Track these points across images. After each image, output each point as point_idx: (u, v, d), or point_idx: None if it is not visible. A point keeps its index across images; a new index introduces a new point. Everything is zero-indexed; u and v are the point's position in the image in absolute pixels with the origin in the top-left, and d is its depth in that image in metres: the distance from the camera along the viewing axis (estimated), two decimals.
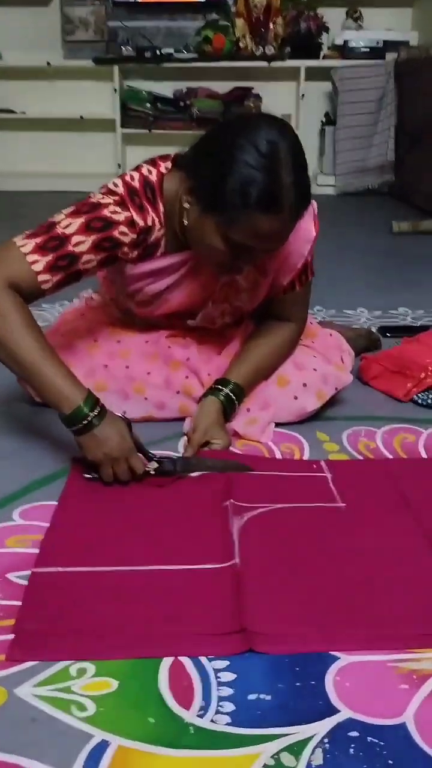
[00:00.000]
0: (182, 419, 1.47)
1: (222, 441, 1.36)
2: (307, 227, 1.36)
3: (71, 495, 1.23)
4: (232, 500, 1.21)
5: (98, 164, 4.94)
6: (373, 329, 2.05)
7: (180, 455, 1.33)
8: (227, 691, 0.85)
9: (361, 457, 1.39)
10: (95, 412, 1.21)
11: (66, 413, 1.20)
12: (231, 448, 1.38)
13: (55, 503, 1.21)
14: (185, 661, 0.89)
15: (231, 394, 1.39)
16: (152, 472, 1.27)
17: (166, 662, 0.89)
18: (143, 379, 1.48)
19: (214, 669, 0.88)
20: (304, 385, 1.47)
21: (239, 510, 1.18)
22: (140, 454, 1.26)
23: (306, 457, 1.39)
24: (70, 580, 1.02)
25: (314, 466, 1.34)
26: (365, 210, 4.31)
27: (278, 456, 1.38)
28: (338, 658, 0.90)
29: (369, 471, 1.33)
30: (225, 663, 0.89)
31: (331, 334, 1.61)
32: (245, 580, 1.01)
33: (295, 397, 1.47)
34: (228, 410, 1.39)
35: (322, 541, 1.11)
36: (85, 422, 1.20)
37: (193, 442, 1.34)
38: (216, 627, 0.93)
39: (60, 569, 1.04)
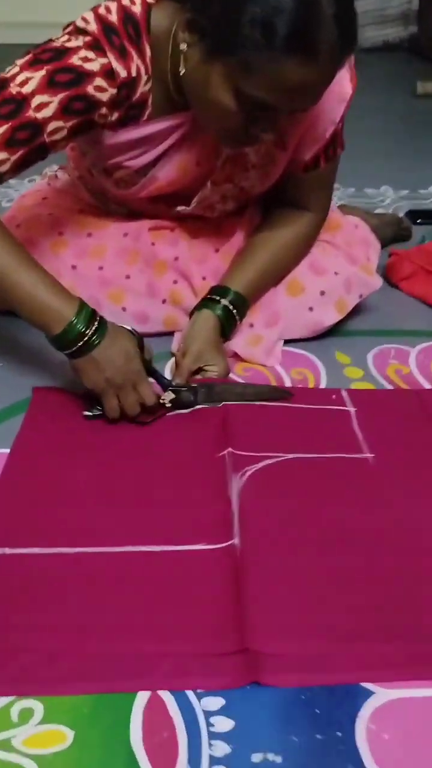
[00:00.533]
0: (169, 335, 1.19)
1: (218, 367, 1.08)
2: (341, 83, 1.03)
3: (25, 442, 0.97)
4: (230, 449, 0.95)
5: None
6: (400, 214, 1.72)
7: (201, 382, 1.06)
8: (222, 749, 0.62)
9: (391, 387, 1.12)
10: (93, 328, 0.94)
11: (55, 333, 0.94)
12: (230, 375, 1.11)
13: (5, 451, 0.95)
14: (166, 697, 0.66)
15: (230, 305, 1.10)
16: (168, 404, 1.01)
17: (141, 699, 0.66)
18: (120, 284, 1.19)
19: (204, 711, 0.65)
20: (322, 293, 1.18)
21: (238, 463, 0.93)
22: (153, 380, 1.00)
23: (323, 385, 1.12)
24: (11, 568, 0.78)
25: (333, 396, 1.07)
26: (383, 68, 3.81)
27: (288, 384, 1.11)
28: (372, 694, 0.67)
29: (403, 407, 1.06)
30: (219, 701, 0.66)
31: (357, 226, 1.30)
32: (247, 571, 0.77)
33: (311, 309, 1.18)
34: (226, 327, 1.11)
35: (346, 513, 0.86)
36: (80, 343, 0.94)
37: (182, 369, 1.07)
38: (208, 645, 0.70)
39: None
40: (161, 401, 1.01)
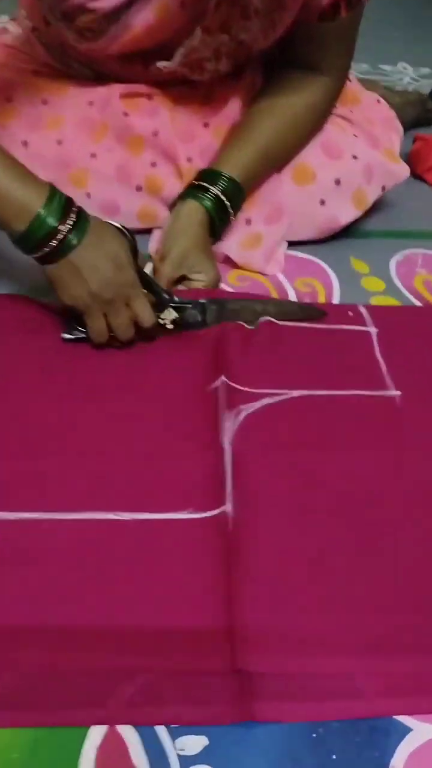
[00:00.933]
0: (145, 233, 0.96)
1: (206, 275, 0.86)
2: None
3: None
4: (223, 378, 0.74)
5: None
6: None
7: (210, 298, 0.84)
8: None
9: (419, 303, 0.90)
10: (69, 223, 0.72)
11: (19, 230, 0.71)
12: (222, 286, 0.89)
13: None
14: (128, 735, 0.48)
15: (222, 195, 0.87)
16: (169, 326, 0.79)
17: (93, 736, 0.48)
18: (84, 165, 0.94)
19: (180, 757, 0.47)
20: (337, 182, 0.94)
21: (234, 398, 0.72)
22: (150, 294, 0.78)
23: (336, 299, 0.90)
24: None
25: (350, 313, 0.86)
26: None
27: (293, 298, 0.90)
28: (410, 731, 0.49)
29: None
30: (201, 742, 0.48)
31: (378, 101, 1.05)
32: (241, 551, 0.58)
33: (322, 202, 0.95)
34: (217, 223, 0.88)
35: (369, 471, 0.66)
36: (53, 243, 0.71)
37: (161, 275, 0.84)
38: (188, 659, 0.51)
39: None
40: (161, 322, 0.79)
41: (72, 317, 0.77)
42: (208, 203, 0.86)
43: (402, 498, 0.64)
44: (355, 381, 0.76)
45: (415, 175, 1.17)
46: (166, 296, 0.80)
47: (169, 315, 0.79)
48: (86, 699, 0.49)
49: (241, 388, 0.73)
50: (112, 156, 0.96)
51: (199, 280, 0.85)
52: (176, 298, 0.80)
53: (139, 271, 0.77)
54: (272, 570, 0.57)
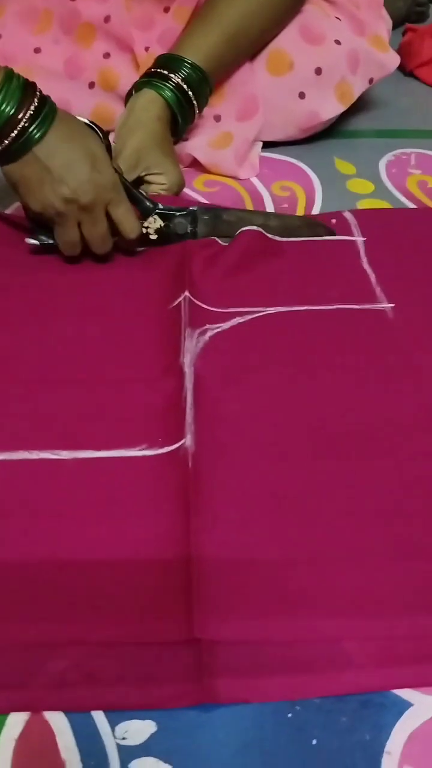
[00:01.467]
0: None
1: (167, 177, 0.73)
2: None
3: None
4: (187, 293, 0.63)
5: None
6: None
7: (203, 206, 0.72)
8: None
9: (412, 205, 0.79)
10: (29, 110, 0.60)
11: None
12: (186, 191, 0.77)
13: None
14: (56, 721, 0.38)
15: (185, 84, 0.74)
16: (153, 236, 0.68)
17: (12, 724, 0.38)
18: (27, 61, 0.82)
19: (120, 747, 0.38)
20: (318, 71, 0.82)
21: (199, 317, 0.61)
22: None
23: (318, 206, 0.78)
24: None
25: (333, 221, 0.75)
26: None
27: (269, 205, 0.78)
28: (410, 706, 0.39)
29: (430, 233, 0.74)
30: (148, 728, 0.38)
31: None
32: (203, 490, 0.48)
33: (302, 95, 0.83)
34: (180, 117, 0.76)
35: (355, 396, 0.56)
36: (13, 134, 0.60)
37: None
38: (135, 627, 0.41)
39: None
40: (144, 230, 0.68)
41: (37, 225, 0.66)
42: (167, 93, 0.74)
43: (396, 426, 0.53)
44: (340, 295, 0.65)
45: (405, 71, 1.04)
46: (149, 204, 0.68)
47: (154, 223, 0.68)
48: (2, 679, 0.39)
49: (208, 307, 0.62)
50: (58, 49, 0.83)
51: (158, 183, 0.73)
52: (160, 206, 0.68)
53: (119, 173, 0.65)
54: (238, 515, 0.46)
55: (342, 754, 0.37)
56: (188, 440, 0.51)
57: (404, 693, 0.40)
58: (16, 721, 0.38)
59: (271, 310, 0.63)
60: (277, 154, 0.84)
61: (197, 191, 0.78)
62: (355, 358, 0.59)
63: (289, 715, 0.39)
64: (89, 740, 0.37)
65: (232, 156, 0.80)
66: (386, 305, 0.64)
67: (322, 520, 0.46)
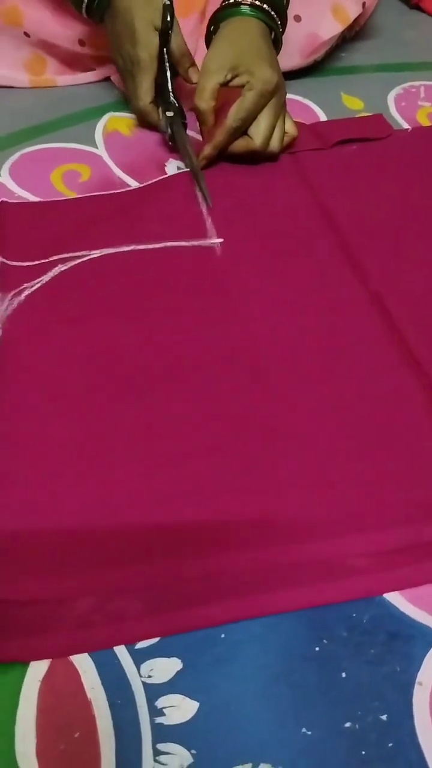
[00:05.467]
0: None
1: (253, 76, 0.64)
2: None
3: None
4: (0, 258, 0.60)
5: None
6: None
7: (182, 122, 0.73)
8: (178, 760, 0.35)
9: None
10: None
11: None
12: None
13: None
14: (80, 663, 0.38)
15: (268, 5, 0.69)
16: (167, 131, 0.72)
17: (35, 671, 0.38)
18: None
19: (146, 685, 0.37)
20: None
21: (13, 277, 0.58)
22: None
23: None
24: None
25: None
26: None
27: None
28: None
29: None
30: (172, 666, 0.38)
31: None
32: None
33: (297, 17, 0.79)
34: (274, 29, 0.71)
35: (187, 338, 0.53)
36: None
37: (202, 75, 0.66)
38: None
39: None
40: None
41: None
42: (261, 15, 0.68)
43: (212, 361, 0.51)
44: (170, 232, 0.62)
45: (410, 4, 1.00)
46: (168, 95, 0.71)
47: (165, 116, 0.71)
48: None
49: (26, 263, 0.59)
50: None
51: (242, 82, 0.65)
52: (176, 103, 0.71)
53: (171, 56, 0.69)
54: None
55: (372, 686, 0.37)
56: None
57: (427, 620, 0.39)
58: (41, 662, 0.37)
59: (96, 253, 0.60)
60: None
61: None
62: (185, 299, 0.56)
63: (317, 648, 0.38)
64: (115, 679, 0.37)
65: None
66: (215, 240, 0.62)
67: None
